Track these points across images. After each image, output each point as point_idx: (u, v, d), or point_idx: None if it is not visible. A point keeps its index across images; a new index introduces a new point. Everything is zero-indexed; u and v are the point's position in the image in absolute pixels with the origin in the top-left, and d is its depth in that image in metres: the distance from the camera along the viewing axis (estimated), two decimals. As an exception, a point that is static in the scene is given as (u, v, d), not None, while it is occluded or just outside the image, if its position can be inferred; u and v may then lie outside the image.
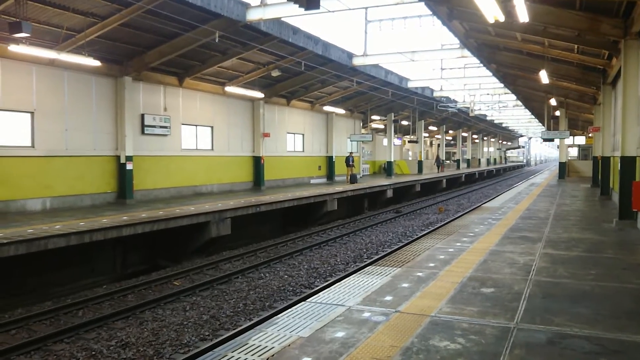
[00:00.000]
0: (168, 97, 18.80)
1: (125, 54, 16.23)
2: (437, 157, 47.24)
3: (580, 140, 42.14)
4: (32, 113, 14.32)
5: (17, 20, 11.50)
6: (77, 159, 15.53)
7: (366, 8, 17.66)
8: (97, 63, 14.14)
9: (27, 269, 10.66)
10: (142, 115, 17.69)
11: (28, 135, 14.32)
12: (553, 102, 24.85)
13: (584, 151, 40.11)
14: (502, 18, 8.10)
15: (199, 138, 20.76)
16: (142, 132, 17.71)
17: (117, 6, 13.01)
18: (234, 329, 8.43)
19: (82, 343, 8.04)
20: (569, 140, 36.18)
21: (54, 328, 8.63)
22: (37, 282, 10.94)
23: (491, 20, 8.33)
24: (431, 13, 14.25)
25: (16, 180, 13.89)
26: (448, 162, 53.04)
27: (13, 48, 12.34)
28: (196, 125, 20.51)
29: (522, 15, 9.28)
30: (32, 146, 14.37)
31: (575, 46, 14.52)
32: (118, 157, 16.72)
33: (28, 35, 11.56)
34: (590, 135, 31.05)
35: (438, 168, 45.58)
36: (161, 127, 18.44)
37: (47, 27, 13.30)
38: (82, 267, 11.96)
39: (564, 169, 31.76)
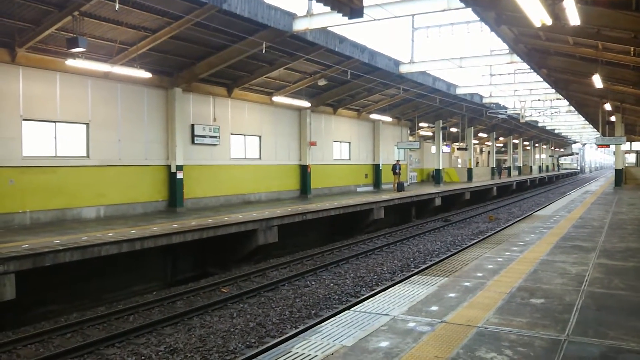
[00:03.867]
0: (217, 108, 19.18)
1: (176, 66, 16.67)
2: (499, 164, 46.59)
3: (639, 146, 40.49)
4: (87, 124, 14.88)
5: (74, 36, 12.00)
6: (130, 169, 16.01)
7: (413, 15, 17.54)
8: (148, 75, 14.59)
9: (81, 275, 11.02)
10: (192, 126, 18.10)
11: (83, 145, 14.87)
12: (608, 107, 23.98)
13: (643, 157, 38.56)
14: (549, 22, 7.88)
15: (247, 147, 21.07)
16: (192, 142, 18.11)
17: (167, 20, 13.39)
18: (279, 337, 8.48)
19: (133, 348, 8.26)
20: (625, 146, 34.81)
21: (106, 333, 8.89)
22: (90, 288, 11.31)
23: (538, 24, 8.12)
24: (479, 19, 14.05)
25: (72, 189, 14.44)
26: (503, 168, 52.27)
27: (70, 62, 12.86)
28: (244, 135, 20.82)
29: (573, 18, 9.01)
30: (87, 156, 14.91)
31: (632, 48, 13.96)
32: (169, 167, 17.14)
33: (84, 50, 12.04)
34: (649, 141, 29.83)
35: (499, 175, 45.00)
36: (211, 137, 18.81)
37: (102, 42, 13.82)
38: (134, 274, 12.29)
39: (621, 176, 30.58)
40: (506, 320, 5.12)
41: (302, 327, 8.81)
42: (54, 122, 14.11)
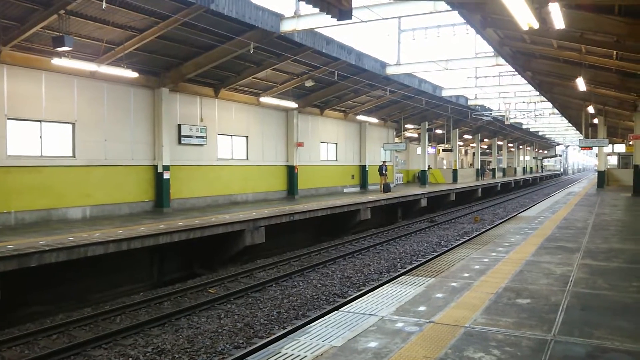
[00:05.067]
0: (204, 108, 19.13)
1: (163, 66, 16.60)
2: (483, 165, 47.35)
3: (620, 148, 41.06)
4: (73, 124, 14.76)
5: (60, 34, 11.91)
6: (116, 169, 15.91)
7: (399, 17, 17.67)
8: (135, 75, 14.52)
9: (67, 276, 10.93)
10: (179, 126, 18.03)
11: (69, 145, 14.75)
12: (591, 109, 24.31)
13: (624, 159, 39.06)
14: (536, 25, 7.99)
15: (234, 148, 21.03)
16: (179, 142, 18.04)
17: (155, 19, 13.33)
18: (267, 337, 8.49)
19: (120, 349, 8.22)
20: (608, 149, 35.30)
21: (92, 334, 8.84)
22: (77, 289, 11.22)
23: (525, 28, 8.23)
24: (465, 21, 14.17)
25: (58, 189, 14.32)
26: (486, 170, 52.95)
27: (56, 61, 12.76)
28: (231, 135, 20.78)
29: (558, 22, 9.15)
30: (73, 156, 14.79)
31: (614, 52, 14.20)
32: (155, 167, 17.06)
33: (70, 49, 11.96)
34: (630, 143, 30.23)
35: (482, 176, 45.70)
36: (197, 137, 18.75)
37: (88, 41, 13.72)
38: (120, 275, 12.22)
39: (603, 178, 31.00)
40: (493, 321, 5.18)
41: (290, 328, 8.83)
42: (40, 121, 13.98)
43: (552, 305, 5.71)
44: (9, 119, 13.25)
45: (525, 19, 7.68)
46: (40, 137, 14.04)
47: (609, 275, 7.14)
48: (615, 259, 8.42)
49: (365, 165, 30.78)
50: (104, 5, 11.15)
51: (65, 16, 12.10)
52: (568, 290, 6.35)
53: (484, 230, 19.13)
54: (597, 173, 33.92)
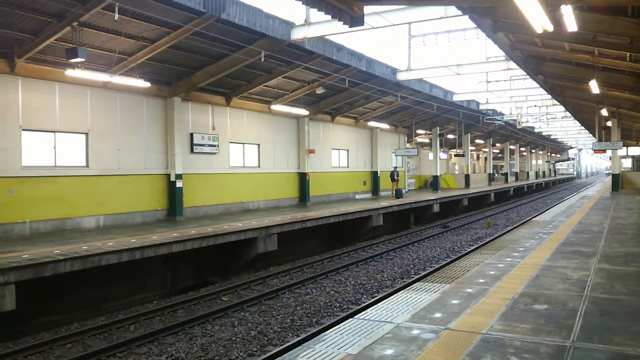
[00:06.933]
0: (216, 117, 19.20)
1: (174, 75, 16.70)
2: (494, 170, 47.61)
3: (635, 151, 40.64)
4: (86, 134, 14.87)
5: (74, 46, 12.03)
6: (129, 178, 16.00)
7: (409, 23, 17.64)
8: (147, 84, 14.59)
9: (81, 285, 10.99)
10: (191, 135, 18.11)
11: (83, 155, 14.86)
12: (604, 112, 24.08)
13: (639, 162, 38.66)
14: (550, 28, 7.92)
15: (246, 156, 21.08)
16: (191, 151, 18.11)
17: (166, 29, 13.43)
18: (282, 345, 8.46)
19: (134, 358, 8.24)
20: (622, 151, 34.94)
21: (107, 342, 8.87)
22: (91, 298, 11.27)
23: (539, 31, 8.16)
24: (475, 26, 14.13)
25: (72, 198, 14.41)
26: (495, 175, 52.74)
27: (69, 72, 12.87)
28: (243, 143, 20.84)
29: (571, 24, 9.08)
30: (87, 166, 14.90)
31: (628, 54, 14.06)
32: (168, 176, 17.13)
33: (83, 60, 12.06)
34: (645, 145, 29.94)
35: (491, 181, 46.00)
36: (210, 145, 18.82)
37: (101, 52, 13.82)
38: (134, 283, 12.25)
39: (618, 181, 30.68)
40: (510, 327, 5.13)
41: (305, 335, 8.80)
42: (54, 132, 14.11)
43: (570, 310, 5.64)
44: (23, 130, 13.38)
45: (540, 22, 7.61)
46: (54, 147, 14.16)
47: (627, 280, 7.05)
48: (633, 263, 8.31)
49: (377, 172, 30.70)
50: (117, 16, 11.24)
51: (78, 28, 12.22)
52: (586, 295, 6.27)
53: (498, 235, 18.99)
54: (611, 176, 33.58)
